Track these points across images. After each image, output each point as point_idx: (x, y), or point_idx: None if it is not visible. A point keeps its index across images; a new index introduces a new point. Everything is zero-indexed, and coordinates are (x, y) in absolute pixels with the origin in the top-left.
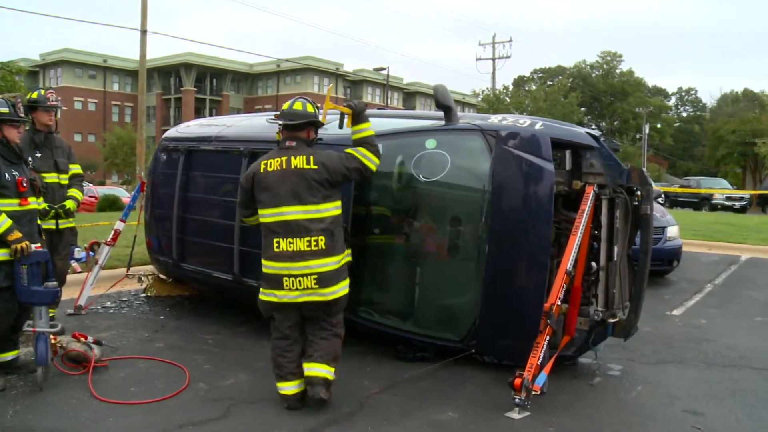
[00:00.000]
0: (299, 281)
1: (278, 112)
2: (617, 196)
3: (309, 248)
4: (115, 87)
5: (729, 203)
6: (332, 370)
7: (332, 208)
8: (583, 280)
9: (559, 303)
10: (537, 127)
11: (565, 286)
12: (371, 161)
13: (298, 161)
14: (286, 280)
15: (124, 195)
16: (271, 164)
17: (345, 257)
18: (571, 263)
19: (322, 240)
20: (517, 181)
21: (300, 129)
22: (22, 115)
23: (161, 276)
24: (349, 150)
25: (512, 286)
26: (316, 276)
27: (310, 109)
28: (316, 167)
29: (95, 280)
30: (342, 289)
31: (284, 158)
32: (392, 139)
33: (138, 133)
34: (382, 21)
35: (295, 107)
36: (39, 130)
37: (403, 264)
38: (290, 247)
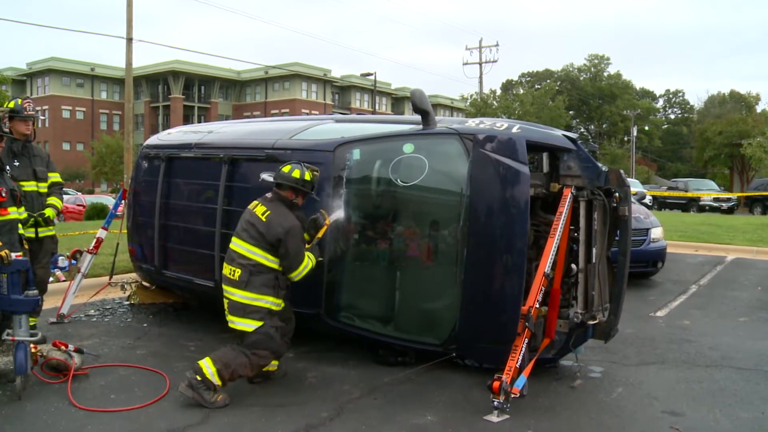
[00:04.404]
0: (223, 301)
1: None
2: (595, 198)
3: (228, 276)
4: (103, 95)
5: (716, 204)
6: (213, 369)
7: (260, 256)
8: (562, 282)
9: (538, 305)
10: (514, 130)
11: (543, 288)
12: (298, 272)
13: (259, 209)
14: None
15: (112, 203)
16: (252, 205)
17: (261, 301)
18: (549, 266)
19: (238, 272)
20: (494, 184)
21: (281, 188)
22: (7, 130)
23: (144, 283)
24: (308, 248)
25: (490, 289)
26: (227, 301)
27: (296, 174)
28: (263, 220)
29: (78, 289)
30: (245, 325)
31: (257, 203)
32: (370, 144)
33: (126, 141)
34: (369, 26)
35: (284, 170)
36: (17, 139)
37: (382, 268)
38: (224, 270)
